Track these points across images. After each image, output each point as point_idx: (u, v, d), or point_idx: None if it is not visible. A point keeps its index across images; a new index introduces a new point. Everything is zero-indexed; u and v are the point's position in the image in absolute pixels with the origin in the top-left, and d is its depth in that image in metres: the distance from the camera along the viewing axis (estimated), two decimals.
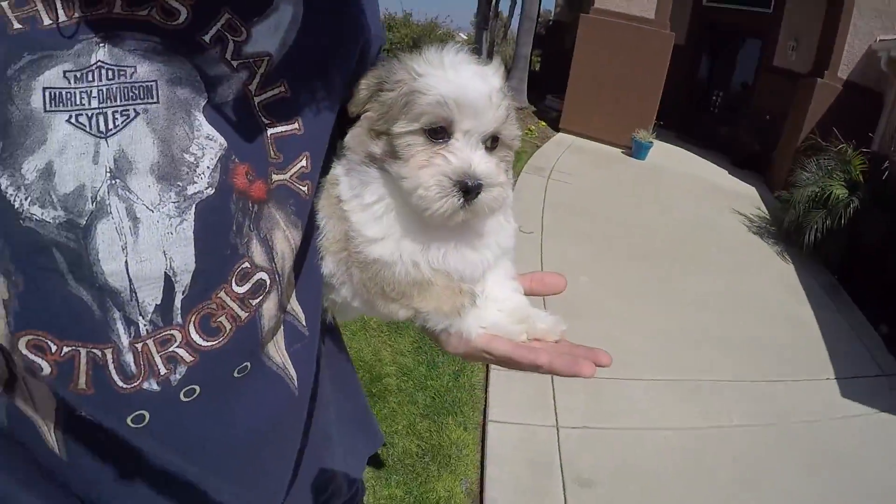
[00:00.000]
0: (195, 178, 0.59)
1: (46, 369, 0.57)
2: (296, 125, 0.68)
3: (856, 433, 3.87)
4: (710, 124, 11.24)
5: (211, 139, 0.61)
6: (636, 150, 9.38)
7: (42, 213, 0.53)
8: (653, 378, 4.01)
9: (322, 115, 0.72)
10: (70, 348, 0.57)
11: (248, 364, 0.68)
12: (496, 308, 0.77)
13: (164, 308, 0.60)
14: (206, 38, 0.62)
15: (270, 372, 0.72)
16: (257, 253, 0.66)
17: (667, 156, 9.66)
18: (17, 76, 0.53)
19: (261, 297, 0.67)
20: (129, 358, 0.59)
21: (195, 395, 0.64)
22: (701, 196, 8.24)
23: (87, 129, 0.55)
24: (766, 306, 5.46)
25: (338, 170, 0.75)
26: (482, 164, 0.68)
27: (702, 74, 11.93)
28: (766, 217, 7.84)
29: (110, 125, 0.55)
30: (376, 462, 2.99)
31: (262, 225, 0.66)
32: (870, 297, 6.00)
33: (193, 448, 0.66)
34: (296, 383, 0.76)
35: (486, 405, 3.51)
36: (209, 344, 0.63)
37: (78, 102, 0.54)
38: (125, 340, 0.58)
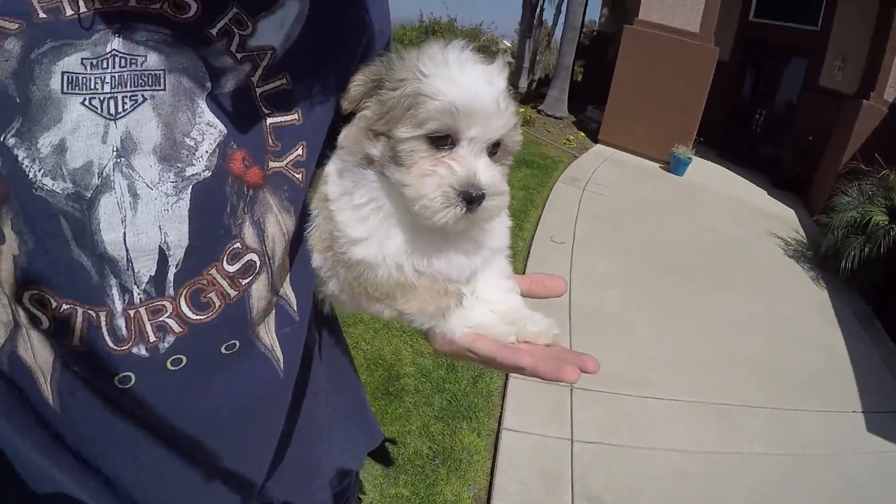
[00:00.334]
0: (194, 161, 0.64)
1: (45, 323, 0.62)
2: (295, 116, 0.72)
3: (879, 470, 3.73)
4: (752, 143, 10.98)
5: (211, 126, 0.65)
6: (675, 166, 9.23)
7: (53, 185, 0.58)
8: (674, 398, 3.95)
9: (322, 107, 0.75)
10: (68, 306, 0.61)
11: (237, 342, 0.72)
12: (488, 309, 0.76)
13: (158, 280, 0.64)
14: (213, 31, 0.67)
15: (258, 352, 0.75)
16: (249, 235, 0.69)
17: (706, 173, 9.49)
18: (39, 60, 0.58)
19: (250, 278, 0.70)
20: (122, 322, 0.63)
21: (181, 365, 0.67)
22: (738, 216, 8.07)
23: (99, 112, 0.60)
24: (797, 332, 5.32)
25: (330, 167, 0.75)
26: (486, 173, 0.67)
27: (745, 91, 11.66)
28: (804, 241, 7.64)
29: (119, 108, 0.60)
30: (386, 460, 3.01)
31: (257, 209, 0.69)
32: None
33: (175, 414, 0.70)
34: (282, 365, 0.79)
35: (501, 412, 3.50)
36: (198, 318, 0.67)
37: (92, 87, 0.59)
38: (119, 306, 0.63)
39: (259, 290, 0.72)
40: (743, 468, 3.48)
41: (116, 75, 0.60)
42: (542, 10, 12.17)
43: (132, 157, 0.61)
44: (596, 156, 9.40)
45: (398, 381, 3.61)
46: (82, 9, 0.60)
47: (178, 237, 0.64)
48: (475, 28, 16.05)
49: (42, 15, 0.59)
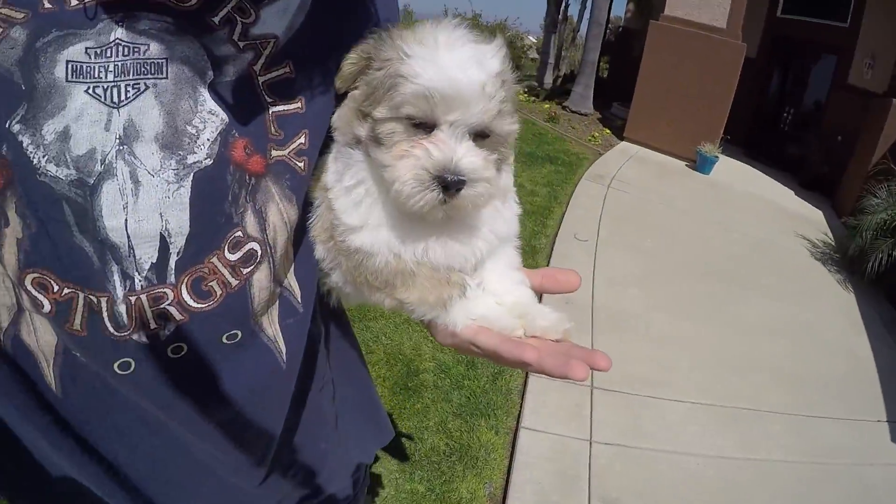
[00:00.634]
0: (195, 149, 0.64)
1: (47, 306, 0.63)
2: (298, 104, 0.72)
3: None
4: (779, 142, 10.77)
5: (213, 114, 0.66)
6: (701, 164, 9.10)
7: (56, 171, 0.59)
8: (695, 401, 3.91)
9: (325, 96, 0.75)
10: (70, 290, 0.62)
11: (239, 332, 0.72)
12: (495, 301, 0.74)
13: (159, 267, 0.65)
14: (216, 19, 0.67)
15: (261, 343, 0.76)
16: (250, 223, 0.70)
17: (732, 172, 9.34)
18: (44, 48, 0.59)
19: (252, 267, 0.71)
20: (122, 309, 0.64)
21: (182, 353, 0.68)
22: (764, 217, 7.94)
23: (102, 100, 0.61)
24: (822, 336, 5.22)
25: (329, 155, 0.75)
26: (466, 157, 0.64)
27: (773, 89, 11.43)
28: (831, 243, 7.49)
29: (122, 97, 0.61)
30: (402, 455, 3.03)
31: (258, 197, 0.70)
32: None
33: (174, 402, 0.71)
34: (284, 357, 0.79)
35: (520, 411, 3.50)
36: (199, 306, 0.68)
37: (96, 75, 0.60)
38: (120, 292, 0.63)
39: (261, 279, 0.72)
40: (762, 475, 3.44)
41: (119, 64, 0.61)
42: (567, 5, 12.09)
43: (134, 145, 0.62)
44: (621, 153, 9.31)
45: (417, 376, 3.62)
46: None
47: (179, 224, 0.64)
48: (500, 23, 15.97)
49: (47, 5, 0.60)
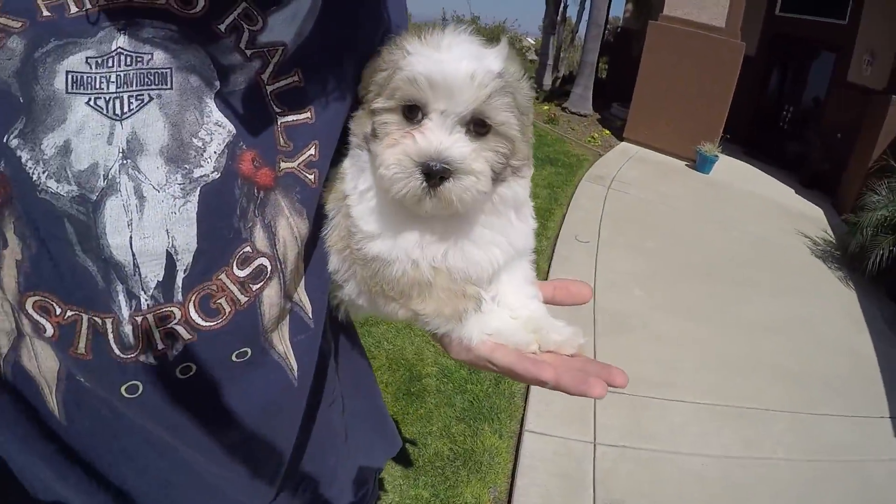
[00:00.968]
0: (202, 162, 0.62)
1: (50, 331, 0.60)
2: (308, 114, 0.70)
3: None
4: (779, 140, 10.77)
5: (220, 125, 0.63)
6: (701, 164, 9.10)
7: (57, 187, 0.57)
8: (698, 401, 3.92)
9: (335, 105, 0.73)
10: (73, 313, 0.60)
11: (249, 350, 0.70)
12: (509, 315, 0.73)
13: (166, 285, 0.62)
14: (222, 27, 0.65)
15: (271, 361, 0.74)
16: (259, 238, 0.68)
17: (732, 171, 9.34)
18: (43, 59, 0.57)
19: (261, 283, 0.69)
20: (129, 329, 0.62)
21: (191, 374, 0.66)
22: (765, 215, 7.94)
23: (104, 112, 0.58)
24: (824, 334, 5.23)
25: (346, 163, 0.74)
26: (454, 147, 0.63)
27: (772, 87, 11.43)
28: (832, 241, 7.49)
29: (125, 108, 0.59)
30: (406, 461, 3.03)
31: (267, 211, 0.68)
32: None
33: (184, 424, 0.69)
34: (296, 373, 0.77)
35: (524, 414, 3.51)
36: (208, 324, 0.66)
37: (97, 86, 0.58)
38: (126, 312, 0.61)
39: (271, 296, 0.70)
40: (766, 474, 3.44)
41: (122, 74, 0.59)
42: (565, 6, 12.09)
43: (138, 159, 0.59)
44: (621, 153, 9.32)
45: (420, 381, 3.63)
46: (87, 6, 0.59)
47: (186, 241, 0.62)
48: (498, 25, 15.98)
49: (46, 13, 0.58)
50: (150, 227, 0.60)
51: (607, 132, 10.15)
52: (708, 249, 6.45)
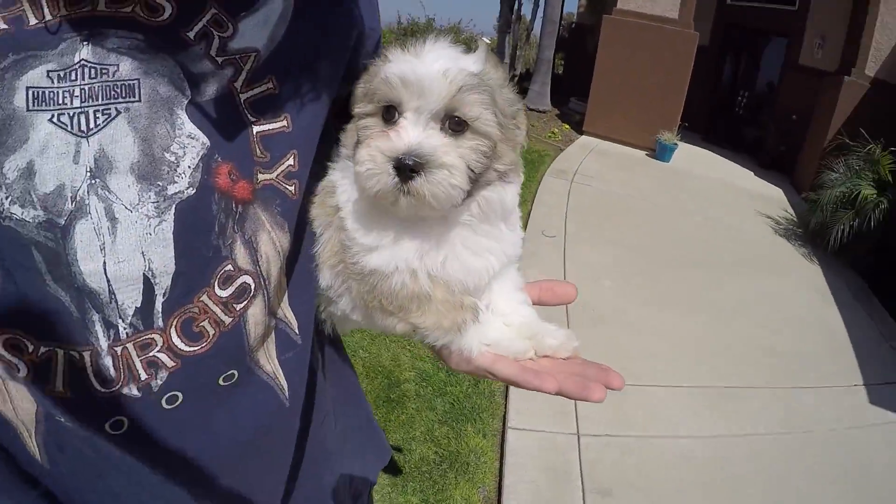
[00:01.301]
0: (175, 178, 0.59)
1: (23, 370, 0.56)
2: (284, 122, 0.67)
3: (884, 441, 3.75)
4: (735, 125, 11.05)
5: (193, 138, 0.60)
6: (660, 153, 9.25)
7: (22, 213, 0.53)
8: (677, 385, 3.95)
9: (311, 111, 0.70)
10: (47, 349, 0.56)
11: (235, 372, 0.67)
12: (502, 322, 0.74)
13: (145, 311, 0.59)
14: (191, 34, 0.61)
15: (259, 381, 0.70)
16: (241, 255, 0.65)
17: (691, 158, 9.51)
18: (0, 76, 0.53)
19: (245, 302, 0.66)
20: (108, 361, 0.58)
21: (178, 403, 0.63)
22: (726, 198, 8.11)
23: (69, 129, 0.55)
24: (793, 310, 5.34)
25: (334, 175, 0.72)
26: (424, 141, 0.63)
27: (726, 75, 11.72)
28: (793, 219, 7.68)
29: (91, 124, 0.55)
30: (393, 469, 2.98)
31: (247, 226, 0.65)
32: None
33: (174, 458, 0.64)
34: (286, 393, 0.74)
35: (505, 412, 3.49)
36: (191, 349, 0.62)
37: (60, 102, 0.54)
38: (104, 343, 0.58)
39: (255, 314, 0.67)
40: (751, 449, 3.49)
41: (86, 87, 0.55)
42: (520, 4, 12.15)
43: (108, 178, 0.56)
44: (581, 147, 9.40)
45: (399, 387, 3.58)
46: (47, 16, 0.55)
47: (164, 262, 0.59)
48: (454, 26, 16.02)
49: (3, 25, 0.54)
50: (124, 250, 0.57)
51: (567, 127, 10.25)
52: (673, 236, 6.54)
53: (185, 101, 0.60)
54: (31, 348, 0.56)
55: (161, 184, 0.58)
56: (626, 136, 9.66)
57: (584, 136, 9.92)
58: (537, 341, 0.72)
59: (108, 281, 0.57)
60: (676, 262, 5.86)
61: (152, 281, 0.59)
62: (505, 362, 0.70)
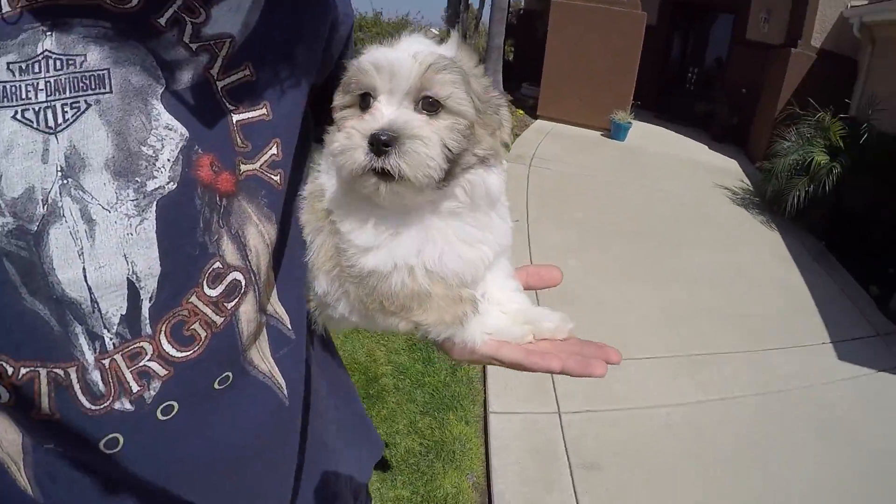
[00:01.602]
0: (155, 173, 0.55)
1: (4, 396, 0.52)
2: (263, 110, 0.64)
3: (854, 394, 3.89)
4: (687, 101, 11.29)
5: (171, 129, 0.56)
6: (615, 132, 9.39)
7: None
8: (651, 357, 4.01)
9: (291, 98, 0.67)
10: (28, 370, 0.51)
11: (230, 374, 0.64)
12: (499, 310, 0.74)
13: (131, 318, 0.55)
14: (162, 20, 0.57)
15: (256, 381, 0.67)
16: (229, 251, 0.61)
17: (646, 135, 9.69)
18: None
19: (237, 300, 0.62)
20: (96, 376, 0.54)
21: (174, 413, 0.59)
22: (683, 172, 8.27)
23: (35, 125, 0.50)
24: (757, 276, 5.49)
25: (322, 178, 0.71)
26: (399, 117, 0.62)
27: (675, 53, 11.99)
28: (749, 188, 7.89)
29: (59, 119, 0.51)
30: (380, 464, 2.94)
31: (233, 220, 0.61)
32: (857, 259, 6.06)
33: (175, 471, 0.61)
34: (285, 391, 0.71)
35: (485, 397, 3.49)
36: (183, 355, 0.59)
37: (24, 96, 0.50)
38: (90, 357, 0.54)
39: (247, 311, 0.64)
40: (726, 412, 3.56)
41: (52, 80, 0.51)
42: None
43: (81, 176, 0.52)
44: (537, 131, 9.45)
45: (377, 381, 3.54)
46: (5, 7, 0.51)
47: (148, 264, 0.55)
48: (401, 19, 15.88)
49: None
50: (104, 254, 0.53)
51: (521, 112, 10.29)
52: (634, 212, 6.63)
53: (160, 90, 0.56)
54: (10, 371, 0.51)
55: (139, 180, 0.54)
56: (580, 118, 9.77)
57: (538, 121, 9.98)
58: (535, 326, 0.73)
59: (90, 289, 0.53)
60: (639, 238, 5.94)
61: (137, 285, 0.55)
62: (509, 347, 0.71)
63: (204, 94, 0.59)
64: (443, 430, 3.21)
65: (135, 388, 0.56)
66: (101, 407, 0.54)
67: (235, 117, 0.61)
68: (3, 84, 0.49)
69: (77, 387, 0.53)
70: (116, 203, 0.53)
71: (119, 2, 0.55)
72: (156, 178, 0.55)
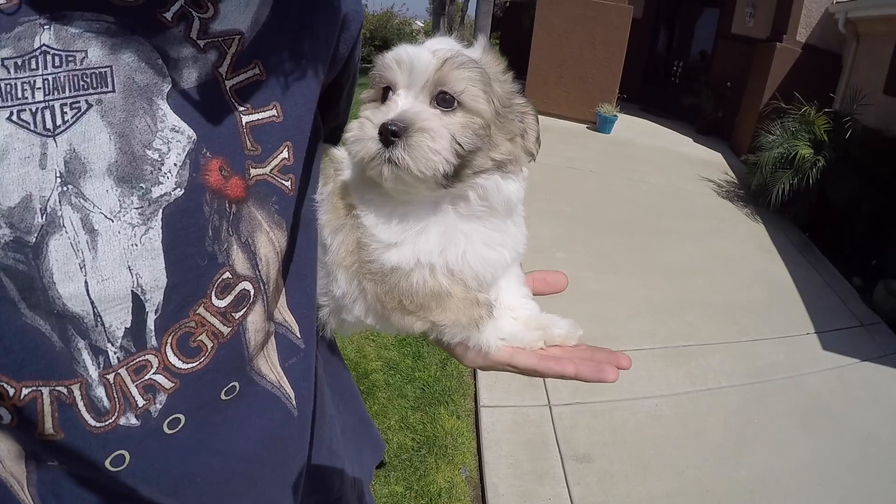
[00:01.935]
0: (161, 179, 0.52)
1: (6, 417, 0.50)
2: (274, 112, 0.61)
3: (840, 384, 3.95)
4: (672, 94, 11.37)
5: (177, 131, 0.53)
6: (601, 125, 9.42)
7: None
8: (638, 348, 4.04)
9: (301, 98, 0.65)
10: (30, 389, 0.49)
11: (237, 384, 0.62)
12: (511, 316, 0.76)
13: (136, 331, 0.53)
14: (168, 14, 0.54)
15: (264, 391, 0.66)
16: (239, 260, 0.59)
17: (631, 128, 9.74)
18: None
19: (244, 310, 0.60)
20: (101, 392, 0.52)
21: (180, 426, 0.57)
22: (668, 165, 8.32)
23: (32, 128, 0.47)
24: (742, 268, 5.54)
25: (345, 174, 0.71)
26: (410, 108, 0.63)
27: (661, 46, 12.05)
28: (734, 181, 7.96)
29: (58, 121, 0.48)
30: None
31: (243, 227, 0.59)
32: (840, 251, 6.16)
33: (183, 485, 0.59)
34: (294, 402, 0.69)
35: (476, 391, 3.49)
36: (189, 366, 0.57)
37: (20, 96, 0.47)
38: (94, 372, 0.52)
39: (255, 321, 0.62)
40: (714, 402, 3.60)
41: (50, 78, 0.48)
42: None
43: (82, 183, 0.49)
44: None
45: (367, 377, 3.54)
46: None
47: (154, 276, 0.53)
48: (387, 12, 15.80)
49: None
50: (107, 266, 0.50)
51: None
52: (621, 204, 6.67)
53: (166, 90, 0.53)
54: (11, 392, 0.49)
55: (144, 186, 0.52)
56: (566, 111, 9.79)
57: None
58: (546, 332, 0.74)
59: (92, 303, 0.50)
60: (626, 230, 5.98)
61: (142, 298, 0.53)
62: (524, 354, 0.72)
63: (212, 94, 0.56)
64: (434, 425, 3.22)
65: (140, 402, 0.54)
66: (107, 423, 0.53)
67: (245, 119, 0.59)
68: None
69: (81, 404, 0.51)
70: (120, 211, 0.51)
71: None
72: (162, 183, 0.52)
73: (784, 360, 4.12)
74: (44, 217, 0.48)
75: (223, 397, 0.61)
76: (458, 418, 3.29)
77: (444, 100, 0.63)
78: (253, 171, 0.59)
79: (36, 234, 0.48)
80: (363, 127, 0.63)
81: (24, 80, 0.47)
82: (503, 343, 0.73)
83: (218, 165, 0.56)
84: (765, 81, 8.66)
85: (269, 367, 0.67)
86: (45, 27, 0.48)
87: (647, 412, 3.44)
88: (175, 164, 0.53)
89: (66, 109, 0.49)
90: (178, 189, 0.53)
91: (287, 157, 0.63)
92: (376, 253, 0.66)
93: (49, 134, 0.48)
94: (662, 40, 12.01)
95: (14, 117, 0.47)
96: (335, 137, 0.83)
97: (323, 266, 0.73)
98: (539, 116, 0.78)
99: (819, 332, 4.54)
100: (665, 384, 3.70)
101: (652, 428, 3.32)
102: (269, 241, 0.62)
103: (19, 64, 0.47)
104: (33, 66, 0.48)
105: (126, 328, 0.52)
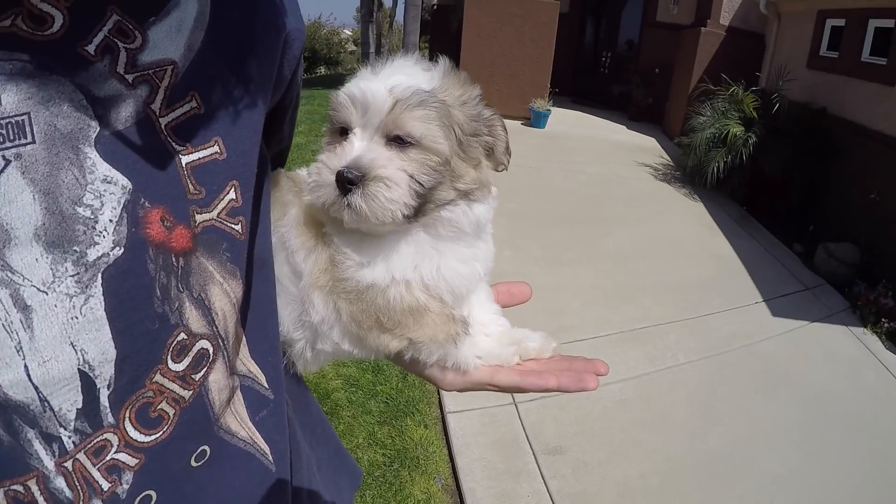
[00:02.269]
0: (96, 238, 0.47)
1: None
2: (216, 148, 0.54)
3: (792, 346, 4.11)
4: (603, 85, 11.64)
5: (110, 182, 0.47)
6: (535, 120, 9.54)
7: None
8: (594, 335, 4.09)
9: (245, 130, 0.58)
10: None
11: (206, 448, 0.57)
12: (483, 332, 0.76)
13: (89, 411, 0.48)
14: (90, 48, 0.47)
15: (236, 450, 0.61)
16: (193, 318, 0.54)
17: (565, 121, 9.91)
18: None
19: (205, 370, 0.55)
20: (61, 482, 0.47)
21: (153, 503, 0.53)
22: (604, 154, 8.50)
23: None
24: (686, 246, 5.70)
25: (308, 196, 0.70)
26: (365, 154, 0.62)
27: (589, 38, 12.33)
28: (670, 164, 8.19)
29: None
30: None
31: (193, 282, 0.53)
32: (778, 220, 6.42)
33: None
34: (270, 457, 0.65)
35: (440, 398, 3.45)
36: (152, 438, 0.52)
37: None
38: (49, 463, 0.46)
39: (217, 379, 0.57)
40: (675, 379, 3.69)
41: None
42: None
43: (6, 253, 0.43)
44: None
45: (329, 397, 3.45)
46: None
47: (101, 349, 0.47)
48: (314, 22, 15.64)
49: None
50: (47, 345, 0.45)
51: None
52: (562, 197, 6.77)
53: (94, 135, 0.47)
54: None
55: (78, 249, 0.46)
56: (499, 109, 9.46)
57: None
58: (521, 347, 0.74)
59: (36, 388, 0.45)
60: (569, 220, 6.07)
61: (91, 375, 0.47)
62: (504, 372, 0.71)
63: (146, 136, 0.50)
64: (403, 438, 3.16)
65: (105, 485, 0.49)
66: None
67: (184, 159, 0.52)
68: None
69: (41, 500, 0.46)
70: (54, 282, 0.45)
71: (37, 27, 0.44)
72: (98, 244, 0.47)
73: (737, 331, 4.26)
74: None
75: (194, 464, 0.56)
76: (425, 428, 3.24)
77: (398, 138, 0.63)
78: (199, 217, 0.53)
79: None
80: (321, 173, 0.63)
81: None
82: (480, 361, 0.72)
83: (159, 216, 0.50)
84: (692, 65, 8.96)
85: (239, 423, 0.62)
86: None
87: (612, 397, 3.48)
88: (111, 220, 0.47)
89: None
90: (117, 248, 0.48)
91: (235, 197, 0.56)
92: (350, 271, 0.65)
93: None
94: (590, 32, 12.30)
95: None
96: (280, 160, 0.77)
97: (294, 297, 0.70)
98: None
99: (767, 299, 4.71)
100: (625, 368, 3.75)
101: (618, 412, 3.36)
102: (223, 293, 0.57)
103: None
104: None
105: (78, 409, 0.47)
